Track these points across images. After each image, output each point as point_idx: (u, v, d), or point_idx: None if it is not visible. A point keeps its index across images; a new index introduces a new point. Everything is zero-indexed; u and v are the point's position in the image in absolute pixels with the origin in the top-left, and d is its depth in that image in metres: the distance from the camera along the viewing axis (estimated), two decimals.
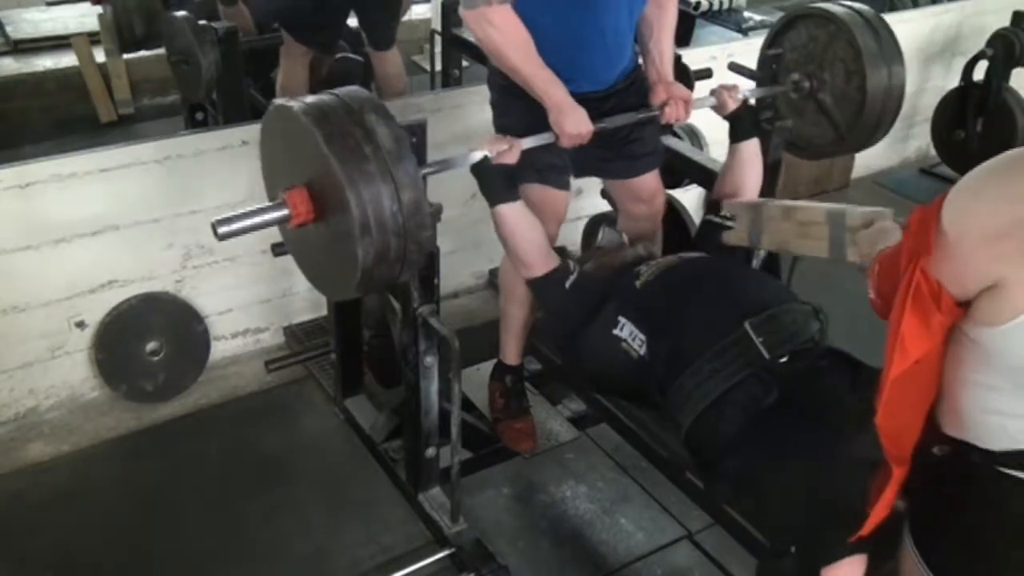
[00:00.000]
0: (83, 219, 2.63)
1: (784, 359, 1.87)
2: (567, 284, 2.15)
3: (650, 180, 2.50)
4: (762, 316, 1.90)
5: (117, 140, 3.41)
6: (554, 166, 2.30)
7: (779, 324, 1.89)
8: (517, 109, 2.20)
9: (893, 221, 1.87)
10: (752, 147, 2.41)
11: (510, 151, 2.04)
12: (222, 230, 1.69)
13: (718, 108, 2.39)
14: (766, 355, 1.85)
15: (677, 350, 1.95)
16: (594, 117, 2.24)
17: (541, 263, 2.16)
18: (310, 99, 1.73)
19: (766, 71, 2.62)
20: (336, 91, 1.75)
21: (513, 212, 2.12)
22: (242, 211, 1.72)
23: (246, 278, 2.98)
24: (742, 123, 2.39)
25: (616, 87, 2.33)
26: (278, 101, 1.78)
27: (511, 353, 2.65)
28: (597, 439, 2.71)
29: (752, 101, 2.46)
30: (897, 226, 1.84)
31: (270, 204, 1.75)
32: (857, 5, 2.60)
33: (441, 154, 2.00)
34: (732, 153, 2.42)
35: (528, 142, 2.10)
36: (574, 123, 2.11)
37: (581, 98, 2.21)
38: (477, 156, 2.01)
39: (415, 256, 1.74)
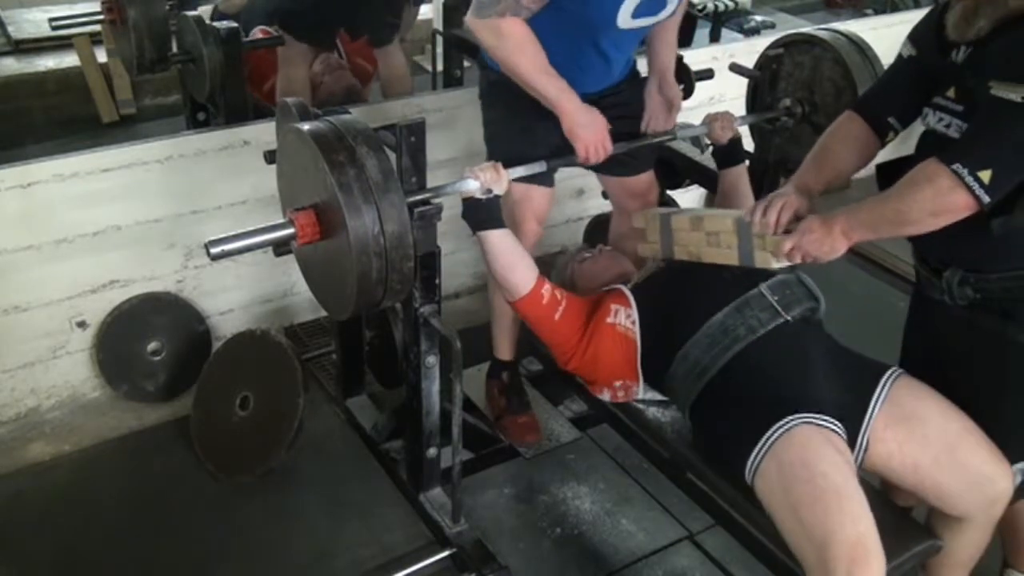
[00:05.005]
0: (85, 219, 2.63)
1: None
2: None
3: (645, 177, 2.53)
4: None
5: (119, 140, 3.41)
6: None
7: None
8: (510, 135, 2.19)
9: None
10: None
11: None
12: (215, 250, 1.74)
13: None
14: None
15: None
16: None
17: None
18: (323, 126, 1.80)
19: (766, 70, 2.63)
20: (346, 119, 1.83)
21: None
22: (243, 231, 1.79)
23: (247, 278, 2.98)
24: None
25: (617, 87, 2.36)
26: (294, 125, 1.85)
27: (504, 348, 2.67)
28: (598, 440, 2.71)
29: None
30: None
31: (274, 224, 1.83)
32: (835, 25, 2.69)
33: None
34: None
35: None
36: (592, 132, 2.10)
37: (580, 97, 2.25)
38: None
39: (398, 286, 1.83)
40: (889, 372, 1.91)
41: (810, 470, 1.70)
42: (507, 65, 2.09)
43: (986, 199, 1.60)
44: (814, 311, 2.01)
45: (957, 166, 1.60)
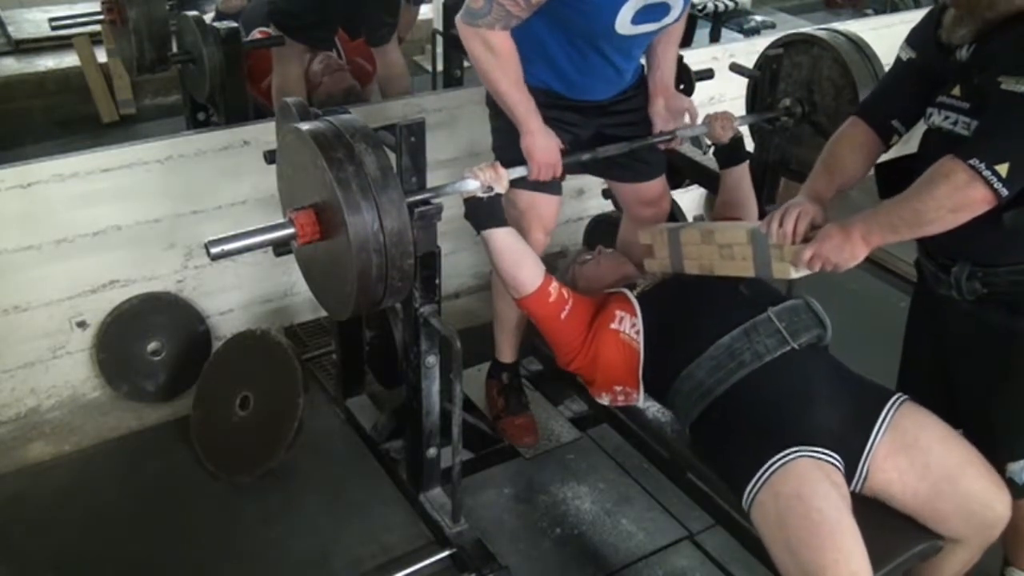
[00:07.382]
0: (85, 219, 2.63)
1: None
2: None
3: (657, 184, 2.51)
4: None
5: (119, 140, 3.41)
6: None
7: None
8: (518, 143, 2.17)
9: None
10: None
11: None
12: (215, 250, 1.74)
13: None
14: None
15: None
16: (601, 120, 2.31)
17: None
18: (322, 125, 1.80)
19: (766, 70, 2.63)
20: (345, 119, 1.83)
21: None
22: (243, 231, 1.80)
23: (247, 278, 2.98)
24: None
25: (625, 93, 2.34)
26: (293, 125, 1.85)
27: (506, 351, 2.66)
28: (598, 440, 2.71)
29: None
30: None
31: (274, 224, 1.84)
32: (834, 25, 2.71)
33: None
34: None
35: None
36: (547, 154, 2.12)
37: (587, 104, 2.27)
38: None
39: (398, 283, 1.83)
40: (892, 400, 1.89)
41: (806, 505, 1.70)
42: (488, 77, 2.10)
43: (1004, 192, 1.60)
44: (821, 338, 1.98)
45: (974, 160, 1.60)
